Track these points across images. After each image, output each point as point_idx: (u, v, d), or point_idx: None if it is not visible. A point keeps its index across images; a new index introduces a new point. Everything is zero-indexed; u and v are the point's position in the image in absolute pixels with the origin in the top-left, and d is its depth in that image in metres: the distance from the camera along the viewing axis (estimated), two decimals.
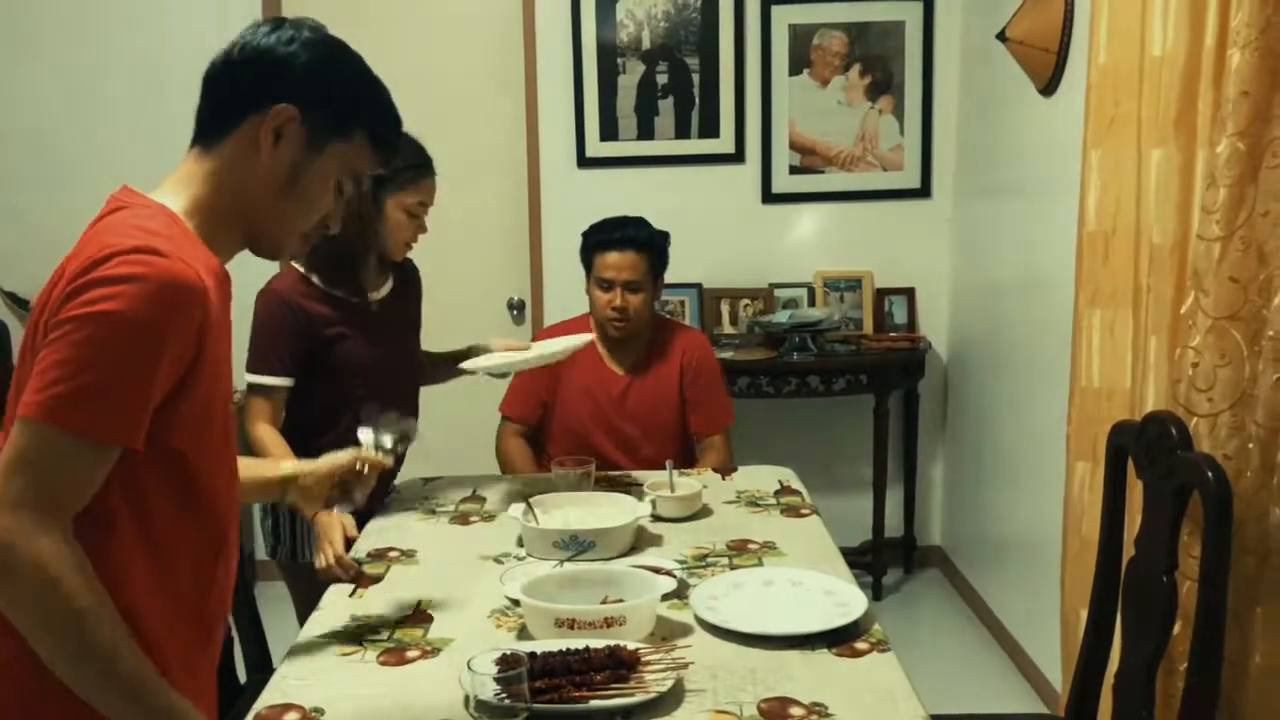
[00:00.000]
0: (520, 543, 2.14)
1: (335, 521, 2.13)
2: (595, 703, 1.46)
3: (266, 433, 2.24)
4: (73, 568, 1.14)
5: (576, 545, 2.02)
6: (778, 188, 4.10)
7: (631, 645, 1.56)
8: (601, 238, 2.85)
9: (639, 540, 2.13)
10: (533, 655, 1.49)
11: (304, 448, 2.32)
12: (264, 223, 1.34)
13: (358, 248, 2.33)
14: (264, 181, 1.31)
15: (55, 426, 1.14)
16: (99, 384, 1.14)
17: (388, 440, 1.87)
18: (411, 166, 2.31)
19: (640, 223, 2.87)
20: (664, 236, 2.89)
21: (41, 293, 1.23)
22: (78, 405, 1.14)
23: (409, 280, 2.53)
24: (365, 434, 1.86)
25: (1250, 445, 1.92)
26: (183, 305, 1.18)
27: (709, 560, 2.06)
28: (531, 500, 2.18)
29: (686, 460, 2.85)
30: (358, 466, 1.82)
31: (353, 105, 1.35)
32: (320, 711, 1.52)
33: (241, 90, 1.30)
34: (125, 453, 1.19)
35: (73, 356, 1.14)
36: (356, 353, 2.33)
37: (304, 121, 1.30)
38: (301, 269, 2.35)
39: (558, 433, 2.89)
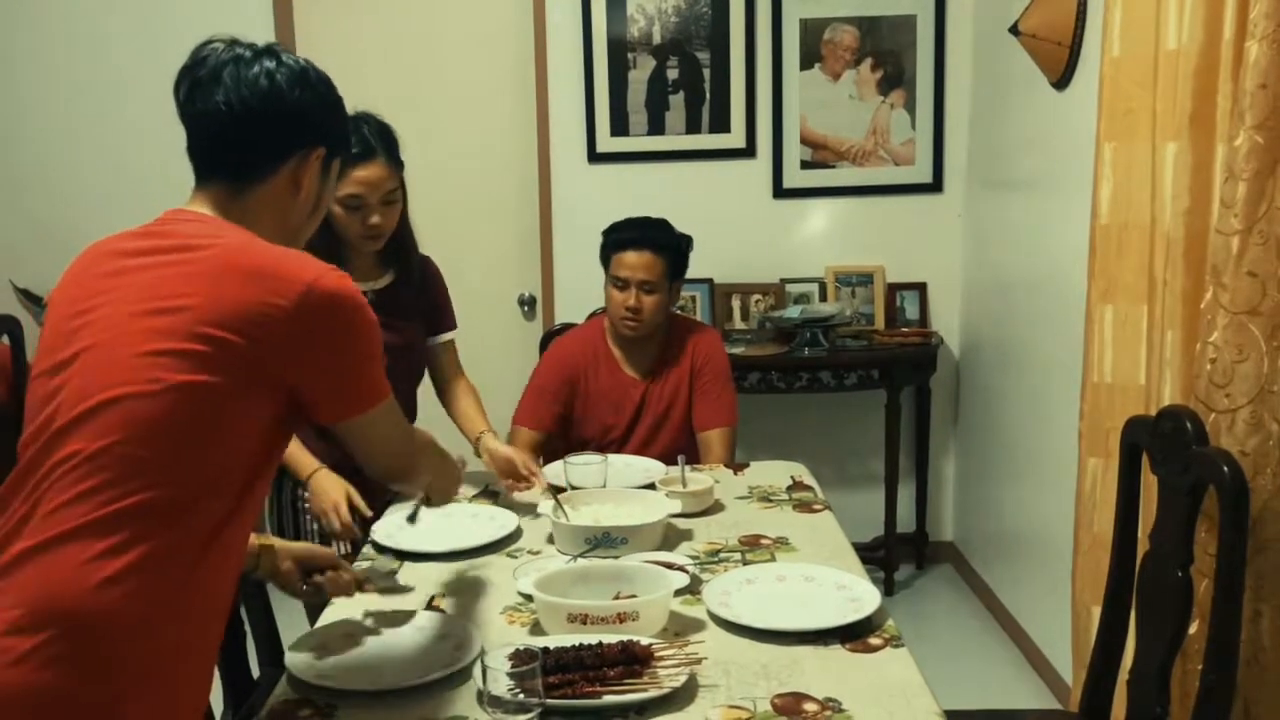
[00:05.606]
0: (551, 540, 2.14)
1: (337, 484, 2.18)
2: (608, 698, 1.47)
3: None
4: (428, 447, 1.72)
5: (609, 542, 2.02)
6: (789, 183, 4.09)
7: (644, 640, 1.56)
8: (620, 236, 2.83)
9: (667, 536, 2.12)
10: (546, 650, 1.49)
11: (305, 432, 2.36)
12: (292, 239, 1.52)
13: (330, 241, 2.29)
14: (300, 210, 1.51)
15: (376, 406, 1.45)
16: (375, 365, 1.45)
17: (381, 569, 1.97)
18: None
19: (662, 225, 2.86)
20: (686, 241, 2.86)
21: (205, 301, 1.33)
22: (377, 383, 1.46)
23: (411, 272, 2.49)
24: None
25: (1270, 443, 1.91)
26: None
27: (721, 555, 2.05)
28: (560, 497, 2.18)
29: (692, 457, 2.84)
30: (331, 572, 1.76)
31: (344, 127, 1.59)
32: (333, 707, 1.52)
33: (276, 140, 1.46)
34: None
35: (352, 362, 1.42)
36: None
37: (325, 155, 1.51)
38: None
39: (576, 442, 2.84)
